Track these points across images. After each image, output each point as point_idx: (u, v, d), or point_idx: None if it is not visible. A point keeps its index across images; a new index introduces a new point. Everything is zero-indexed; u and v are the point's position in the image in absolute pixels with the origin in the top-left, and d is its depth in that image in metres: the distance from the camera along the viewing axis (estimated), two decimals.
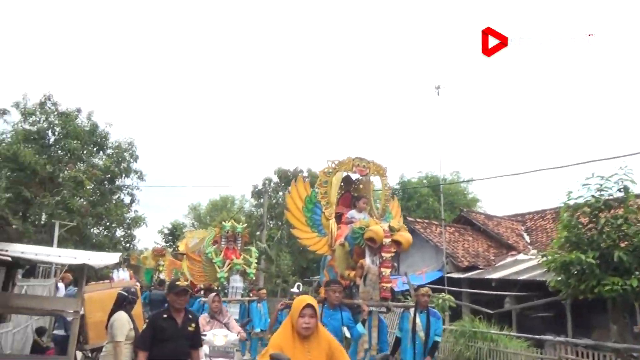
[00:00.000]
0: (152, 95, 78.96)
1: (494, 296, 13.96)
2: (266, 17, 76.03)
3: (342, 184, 6.95)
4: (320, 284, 19.03)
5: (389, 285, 5.77)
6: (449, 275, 14.98)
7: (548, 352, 8.05)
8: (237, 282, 11.19)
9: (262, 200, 26.42)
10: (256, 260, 12.03)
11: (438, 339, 6.51)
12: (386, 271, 5.68)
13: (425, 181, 27.57)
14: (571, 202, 7.30)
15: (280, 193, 27.56)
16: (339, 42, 76.01)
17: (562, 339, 7.87)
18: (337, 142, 65.27)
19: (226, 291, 11.05)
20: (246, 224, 13.51)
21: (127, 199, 22.75)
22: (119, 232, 22.76)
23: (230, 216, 28.87)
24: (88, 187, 19.34)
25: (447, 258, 15.51)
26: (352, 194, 7.22)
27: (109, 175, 21.30)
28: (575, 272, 7.05)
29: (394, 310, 6.55)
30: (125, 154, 21.89)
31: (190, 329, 4.49)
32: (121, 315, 5.40)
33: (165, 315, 4.46)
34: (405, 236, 5.84)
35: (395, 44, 74.66)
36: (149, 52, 77.82)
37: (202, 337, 5.13)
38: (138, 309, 6.53)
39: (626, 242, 6.77)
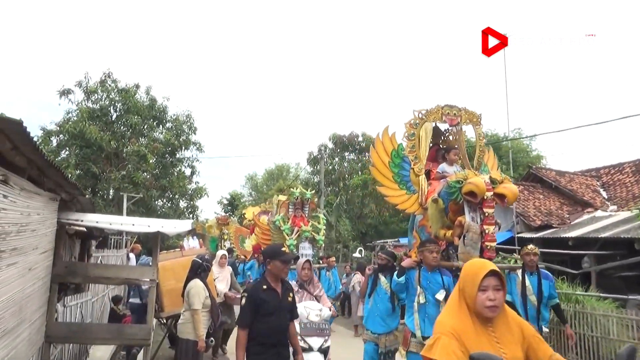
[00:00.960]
0: (206, 67, 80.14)
1: (569, 256, 13.19)
2: None
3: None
4: (384, 248, 18.82)
5: (493, 244, 5.19)
6: (519, 235, 14.22)
7: (635, 313, 7.43)
8: (306, 249, 11.04)
9: (318, 167, 26.21)
10: (325, 227, 11.83)
11: (557, 301, 5.92)
12: (490, 229, 5.13)
13: (485, 140, 26.40)
14: None
15: (336, 159, 27.28)
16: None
17: None
18: (392, 104, 63.82)
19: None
20: (314, 191, 13.34)
21: (187, 171, 23.31)
22: (182, 203, 23.43)
23: (287, 184, 28.99)
24: (151, 161, 19.84)
25: (517, 217, 14.74)
26: (441, 146, 6.62)
27: (170, 149, 21.79)
28: None
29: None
30: (183, 126, 22.29)
31: (289, 299, 4.09)
32: (197, 283, 5.33)
33: (265, 287, 3.96)
34: (510, 188, 5.17)
35: None
36: (201, 24, 78.47)
37: None
38: (211, 277, 6.47)
39: None
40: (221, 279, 7.71)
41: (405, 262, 5.37)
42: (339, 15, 76.53)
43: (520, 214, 15.11)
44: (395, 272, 5.40)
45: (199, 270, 5.43)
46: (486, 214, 5.13)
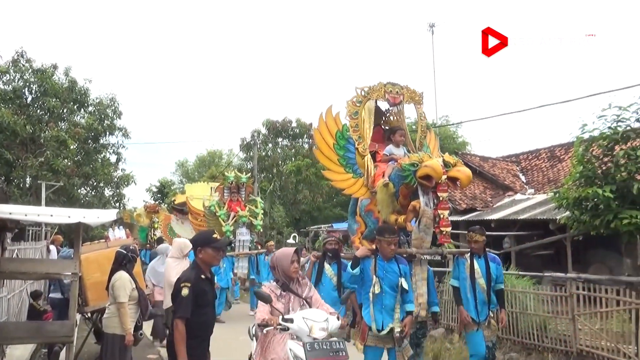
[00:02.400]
0: (132, 47, 76.33)
1: (491, 237, 13.93)
2: None
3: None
4: (318, 236, 18.78)
5: (448, 229, 5.07)
6: None
7: (550, 288, 7.98)
8: (244, 235, 10.80)
9: (251, 153, 25.92)
10: (262, 211, 11.56)
11: (502, 286, 5.72)
12: (444, 213, 5.00)
13: (414, 127, 27.20)
14: (585, 136, 6.99)
15: (270, 145, 27.10)
16: None
17: (573, 275, 7.76)
18: (326, 90, 64.11)
19: (233, 245, 10.74)
20: (249, 174, 13.04)
21: (113, 158, 22.23)
22: (108, 192, 22.39)
23: (219, 171, 28.47)
24: (72, 147, 18.72)
25: None
26: (383, 127, 6.35)
27: (93, 134, 20.66)
28: (590, 207, 6.84)
29: (449, 257, 5.70)
30: (107, 110, 21.18)
31: (216, 288, 4.04)
32: (122, 275, 5.08)
33: (203, 276, 3.74)
34: (464, 171, 4.94)
35: None
36: (127, 1, 74.51)
37: (286, 322, 3.35)
38: (138, 267, 6.20)
39: None
40: (179, 270, 7.25)
41: (360, 252, 4.98)
42: None
43: (448, 198, 15.74)
44: (349, 264, 5.12)
45: (124, 261, 5.16)
46: (440, 198, 4.98)
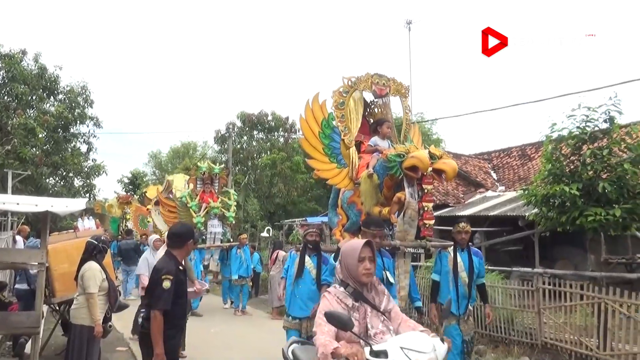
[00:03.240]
0: (105, 35, 74.51)
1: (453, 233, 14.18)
2: None
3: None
4: (292, 229, 18.72)
5: (432, 222, 5.03)
6: None
7: (518, 283, 8.18)
8: (215, 227, 10.66)
9: (225, 145, 25.69)
10: (235, 203, 11.42)
11: (484, 280, 5.64)
12: (429, 205, 4.96)
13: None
14: (555, 135, 7.17)
15: (245, 138, 26.89)
16: None
17: (540, 270, 7.98)
18: (302, 84, 63.94)
19: (204, 237, 10.62)
20: (223, 165, 12.88)
21: (83, 148, 21.73)
22: (77, 182, 21.89)
23: (194, 163, 28.15)
24: (40, 135, 18.22)
25: None
26: (367, 118, 6.27)
27: (63, 122, 20.14)
28: (557, 205, 7.03)
29: (432, 250, 5.62)
30: (78, 99, 20.67)
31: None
32: (92, 265, 4.99)
33: (180, 267, 3.81)
34: (450, 164, 4.86)
35: None
36: None
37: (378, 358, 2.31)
38: (108, 258, 6.09)
39: (608, 174, 6.73)
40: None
41: (344, 243, 5.06)
42: None
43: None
44: (332, 256, 5.03)
45: (94, 252, 5.07)
46: (425, 191, 4.92)
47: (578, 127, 6.88)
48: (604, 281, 6.77)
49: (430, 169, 4.78)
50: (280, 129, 26.30)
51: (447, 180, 5.07)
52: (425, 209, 4.95)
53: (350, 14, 74.88)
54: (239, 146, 26.41)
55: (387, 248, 4.88)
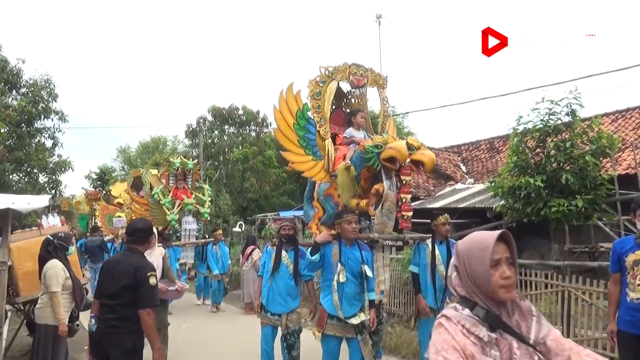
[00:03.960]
0: (70, 27, 72.35)
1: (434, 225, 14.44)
2: None
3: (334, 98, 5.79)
4: (264, 224, 18.59)
5: (410, 213, 4.97)
6: None
7: None
8: (190, 223, 10.40)
9: (196, 140, 25.35)
10: (210, 199, 11.19)
11: None
12: (407, 197, 4.90)
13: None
14: (520, 128, 7.34)
15: (216, 132, 26.60)
16: None
17: None
18: (272, 78, 63.53)
19: (179, 234, 10.44)
20: (196, 160, 12.62)
21: (49, 143, 21.08)
22: (42, 178, 21.24)
23: (164, 158, 27.72)
24: (2, 130, 17.57)
25: None
26: (344, 109, 6.18)
27: (26, 117, 19.47)
28: (522, 196, 7.21)
29: (410, 242, 5.56)
30: (42, 92, 20.00)
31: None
32: (55, 264, 4.85)
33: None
34: (428, 155, 4.78)
35: None
36: None
37: None
38: (74, 256, 5.96)
39: (571, 165, 6.94)
40: (153, 261, 6.38)
41: (321, 237, 4.72)
42: None
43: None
44: (309, 250, 4.90)
45: (50, 248, 4.92)
46: (403, 182, 4.87)
47: (542, 120, 7.06)
48: (568, 270, 6.99)
49: (408, 160, 4.74)
50: (252, 123, 26.07)
51: (425, 171, 5.00)
52: (404, 200, 4.90)
53: (320, 7, 74.76)
54: (210, 141, 26.11)
55: (365, 241, 4.82)
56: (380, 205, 4.78)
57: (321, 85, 5.56)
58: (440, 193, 16.48)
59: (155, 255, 5.88)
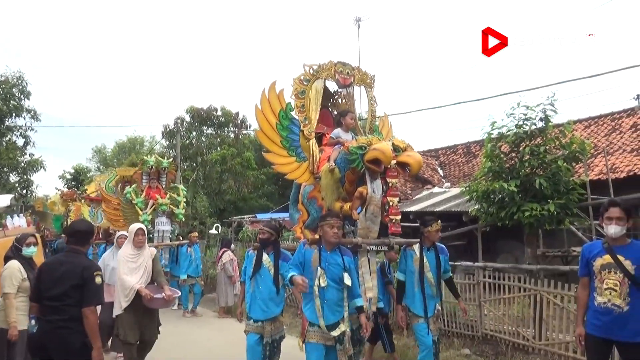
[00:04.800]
0: (44, 22, 70.84)
1: (410, 229, 14.51)
2: None
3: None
4: (241, 226, 18.40)
5: (398, 217, 4.74)
6: None
7: (462, 277, 8.41)
8: (163, 225, 10.09)
9: (174, 141, 25.04)
10: (185, 199, 10.93)
11: (450, 274, 5.53)
12: (394, 200, 4.68)
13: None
14: (495, 133, 7.39)
15: (194, 133, 26.31)
16: None
17: (480, 264, 8.23)
18: (251, 80, 63.28)
19: (151, 236, 10.21)
20: (171, 159, 12.34)
21: (20, 142, 20.59)
22: (13, 178, 20.72)
23: (140, 159, 27.28)
24: None
25: None
26: (331, 109, 6.03)
27: None
28: (496, 200, 7.25)
29: (395, 248, 5.34)
30: (13, 90, 19.52)
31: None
32: (11, 264, 4.73)
33: None
34: (414, 156, 4.63)
35: None
36: None
37: None
38: (39, 257, 5.76)
39: (544, 170, 7.01)
40: (134, 267, 5.44)
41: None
42: None
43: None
44: (293, 256, 4.66)
45: (13, 249, 4.87)
46: (390, 184, 4.69)
47: (517, 126, 7.12)
48: (541, 274, 7.05)
49: (394, 162, 4.59)
50: (231, 124, 25.88)
51: (412, 174, 4.85)
52: (391, 203, 4.69)
53: (300, 9, 74.81)
54: (187, 142, 25.81)
55: (348, 246, 4.59)
56: (364, 209, 4.62)
57: (305, 83, 5.40)
58: (418, 197, 16.57)
59: (144, 256, 5.52)
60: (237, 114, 25.70)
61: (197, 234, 11.73)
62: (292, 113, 5.29)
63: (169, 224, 10.62)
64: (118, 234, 7.61)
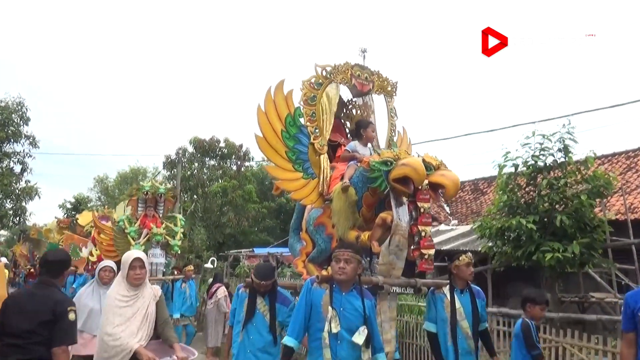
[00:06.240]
0: (49, 49, 71.90)
1: (415, 268, 13.79)
2: None
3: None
4: (238, 260, 17.57)
5: (431, 251, 3.77)
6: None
7: None
8: (157, 257, 9.24)
9: (174, 171, 24.65)
10: (182, 230, 10.17)
11: (487, 325, 4.40)
12: (427, 230, 3.74)
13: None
14: (509, 164, 6.79)
15: (196, 164, 25.93)
16: (254, 4, 73.56)
17: (494, 309, 7.48)
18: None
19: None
20: (170, 185, 11.70)
21: (17, 168, 20.18)
22: (8, 204, 20.21)
23: (135, 185, 26.82)
24: None
25: None
26: (343, 121, 5.22)
27: None
28: (512, 238, 6.59)
29: (424, 290, 4.23)
30: (13, 115, 19.26)
31: None
32: None
33: None
34: (450, 176, 3.71)
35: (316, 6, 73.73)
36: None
37: None
38: (2, 290, 5.11)
39: (565, 206, 6.37)
40: (129, 316, 3.78)
41: (319, 280, 3.51)
42: (204, 13, 74.54)
43: None
44: (294, 300, 3.88)
45: None
46: (421, 210, 3.74)
47: (533, 156, 6.53)
48: (559, 322, 6.32)
49: (425, 182, 3.72)
50: (234, 156, 25.52)
51: (447, 197, 3.92)
52: (423, 234, 3.74)
53: (305, 40, 75.86)
54: (189, 173, 25.41)
55: (366, 286, 3.56)
56: (388, 240, 3.70)
57: (317, 88, 4.55)
58: None
59: (144, 298, 3.88)
60: (241, 146, 25.39)
61: (192, 268, 10.96)
62: (302, 120, 4.48)
63: (164, 256, 9.82)
64: (101, 264, 6.35)
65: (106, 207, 15.63)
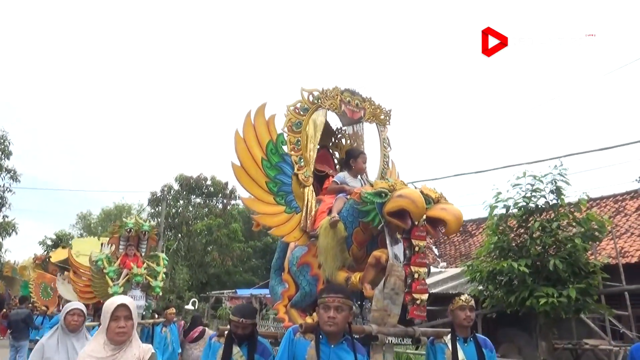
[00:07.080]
0: (33, 82, 71.61)
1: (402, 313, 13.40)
2: (160, 11, 72.52)
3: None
4: (220, 302, 16.99)
5: (424, 296, 3.34)
6: None
7: None
8: (137, 299, 8.66)
9: (159, 208, 24.20)
10: (165, 270, 9.59)
11: None
12: (420, 271, 3.31)
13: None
14: (499, 205, 6.60)
15: (181, 202, 25.51)
16: (240, 35, 74.68)
17: None
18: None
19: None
20: (154, 222, 11.24)
21: None
22: None
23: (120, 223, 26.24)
24: None
25: None
26: (330, 150, 4.87)
27: None
28: (504, 282, 6.33)
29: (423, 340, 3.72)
30: None
31: None
32: None
33: None
34: (452, 211, 3.36)
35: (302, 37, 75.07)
36: (32, 31, 70.83)
37: None
38: None
39: (558, 249, 6.15)
40: None
41: (302, 329, 3.12)
42: (181, 42, 75.30)
43: None
44: (277, 351, 3.21)
45: None
46: (416, 249, 3.32)
47: (524, 197, 6.36)
48: None
49: (424, 216, 3.33)
50: (220, 195, 25.23)
51: (448, 233, 3.51)
52: (416, 276, 3.31)
53: (298, 74, 76.83)
54: (174, 210, 24.95)
55: (357, 336, 3.18)
56: (382, 282, 3.30)
57: (302, 114, 4.20)
58: None
59: (130, 356, 2.88)
60: (227, 184, 25.17)
61: (174, 311, 10.32)
62: (285, 148, 4.12)
63: (144, 298, 9.21)
64: (67, 306, 5.32)
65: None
